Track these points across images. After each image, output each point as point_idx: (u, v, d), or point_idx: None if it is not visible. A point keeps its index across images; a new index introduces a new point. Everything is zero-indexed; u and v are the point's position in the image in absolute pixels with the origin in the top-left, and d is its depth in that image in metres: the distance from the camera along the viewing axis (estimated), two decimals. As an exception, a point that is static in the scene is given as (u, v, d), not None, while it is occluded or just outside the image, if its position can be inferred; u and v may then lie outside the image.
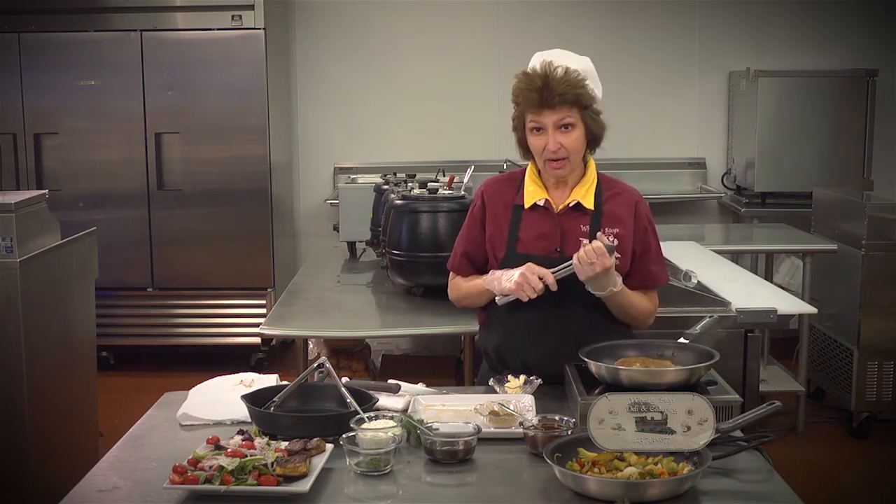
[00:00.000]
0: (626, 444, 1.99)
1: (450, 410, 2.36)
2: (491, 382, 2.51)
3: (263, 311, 5.92)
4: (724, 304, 3.41)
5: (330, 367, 2.39)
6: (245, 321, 5.99)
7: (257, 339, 5.98)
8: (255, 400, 2.28)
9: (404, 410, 2.33)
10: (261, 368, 5.69)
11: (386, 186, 4.26)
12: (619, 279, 2.54)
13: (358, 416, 2.17)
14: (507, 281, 2.52)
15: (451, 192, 3.80)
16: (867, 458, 4.64)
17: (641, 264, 2.66)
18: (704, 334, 2.58)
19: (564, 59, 2.59)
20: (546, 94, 2.50)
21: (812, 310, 3.74)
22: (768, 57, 6.49)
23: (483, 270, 2.69)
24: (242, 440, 2.08)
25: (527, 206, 2.64)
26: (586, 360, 2.41)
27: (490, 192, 2.71)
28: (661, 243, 2.73)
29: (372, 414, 2.20)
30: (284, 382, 2.46)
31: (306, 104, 6.71)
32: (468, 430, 2.13)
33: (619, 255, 2.55)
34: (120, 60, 5.87)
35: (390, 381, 2.53)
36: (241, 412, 2.31)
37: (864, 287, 4.73)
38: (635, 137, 6.48)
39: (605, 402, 2.02)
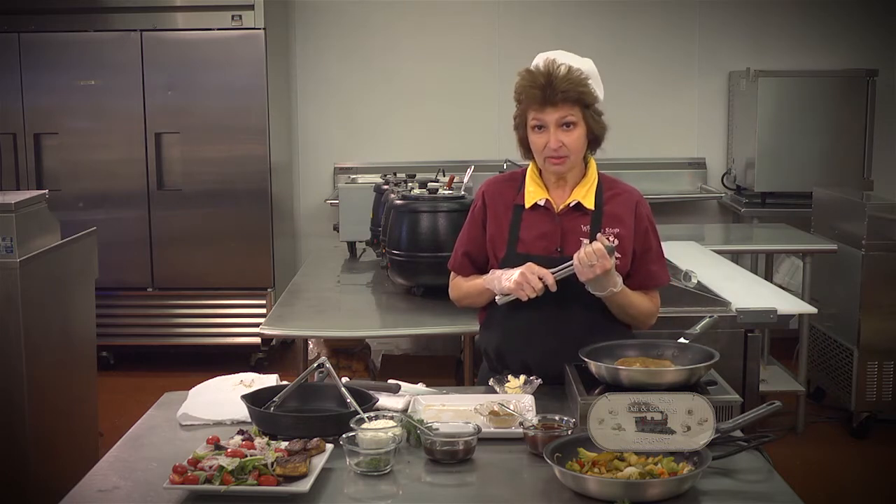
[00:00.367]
0: (626, 444, 1.99)
1: (450, 410, 2.36)
2: (491, 382, 2.51)
3: (263, 311, 5.92)
4: (724, 304, 3.41)
5: (330, 367, 2.39)
6: (245, 321, 5.99)
7: (257, 339, 5.98)
8: (255, 400, 2.28)
9: (404, 410, 2.33)
10: (261, 368, 5.69)
11: (386, 186, 4.26)
12: (620, 279, 2.54)
13: (358, 416, 2.16)
14: (506, 280, 2.52)
15: (451, 192, 3.80)
16: (867, 458, 4.64)
17: (642, 264, 2.65)
18: (704, 334, 2.58)
19: (567, 60, 2.58)
20: (549, 91, 2.50)
21: (812, 310, 3.74)
22: (768, 57, 6.49)
23: (484, 270, 2.69)
24: (242, 440, 2.08)
25: (527, 205, 2.64)
26: (586, 360, 2.40)
27: (491, 192, 2.71)
28: (662, 243, 2.73)
29: (372, 414, 2.20)
30: (284, 382, 2.46)
31: (306, 104, 6.71)
32: (468, 430, 2.13)
33: (619, 256, 2.55)
34: (120, 60, 5.87)
35: (390, 381, 2.52)
36: (241, 412, 2.31)
37: (864, 287, 4.73)
38: (635, 137, 6.48)
39: (605, 402, 2.02)
